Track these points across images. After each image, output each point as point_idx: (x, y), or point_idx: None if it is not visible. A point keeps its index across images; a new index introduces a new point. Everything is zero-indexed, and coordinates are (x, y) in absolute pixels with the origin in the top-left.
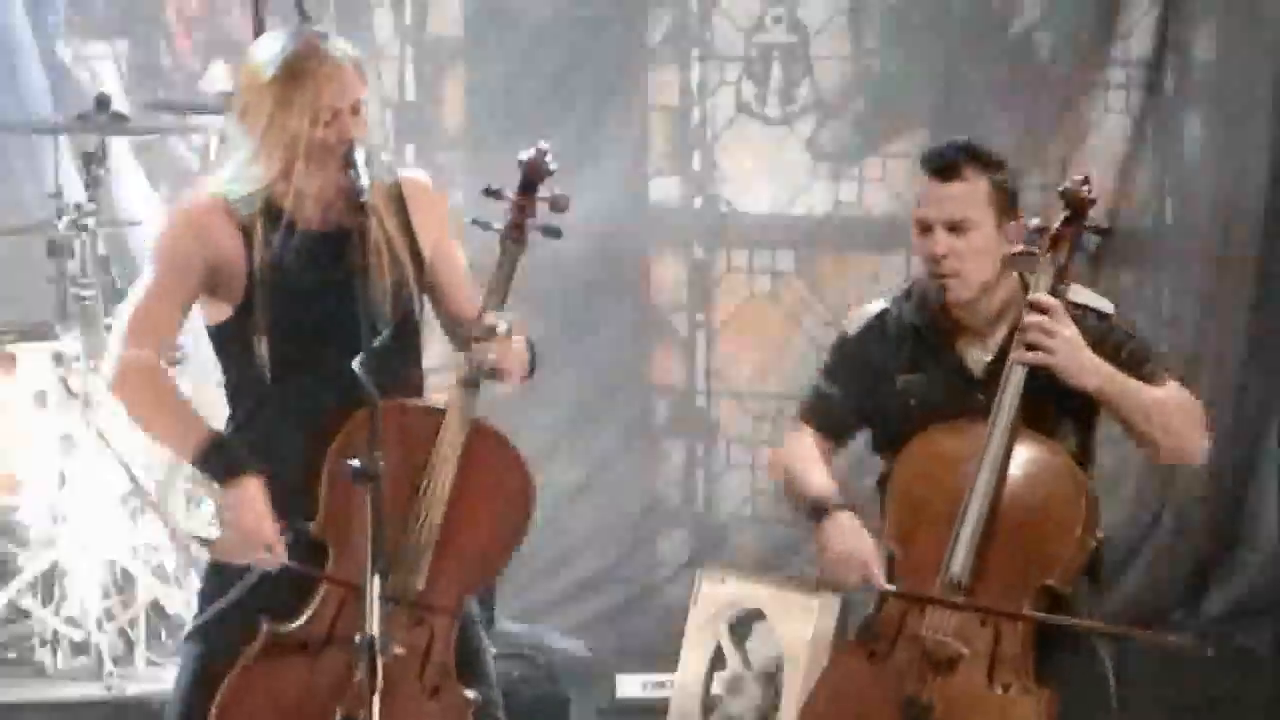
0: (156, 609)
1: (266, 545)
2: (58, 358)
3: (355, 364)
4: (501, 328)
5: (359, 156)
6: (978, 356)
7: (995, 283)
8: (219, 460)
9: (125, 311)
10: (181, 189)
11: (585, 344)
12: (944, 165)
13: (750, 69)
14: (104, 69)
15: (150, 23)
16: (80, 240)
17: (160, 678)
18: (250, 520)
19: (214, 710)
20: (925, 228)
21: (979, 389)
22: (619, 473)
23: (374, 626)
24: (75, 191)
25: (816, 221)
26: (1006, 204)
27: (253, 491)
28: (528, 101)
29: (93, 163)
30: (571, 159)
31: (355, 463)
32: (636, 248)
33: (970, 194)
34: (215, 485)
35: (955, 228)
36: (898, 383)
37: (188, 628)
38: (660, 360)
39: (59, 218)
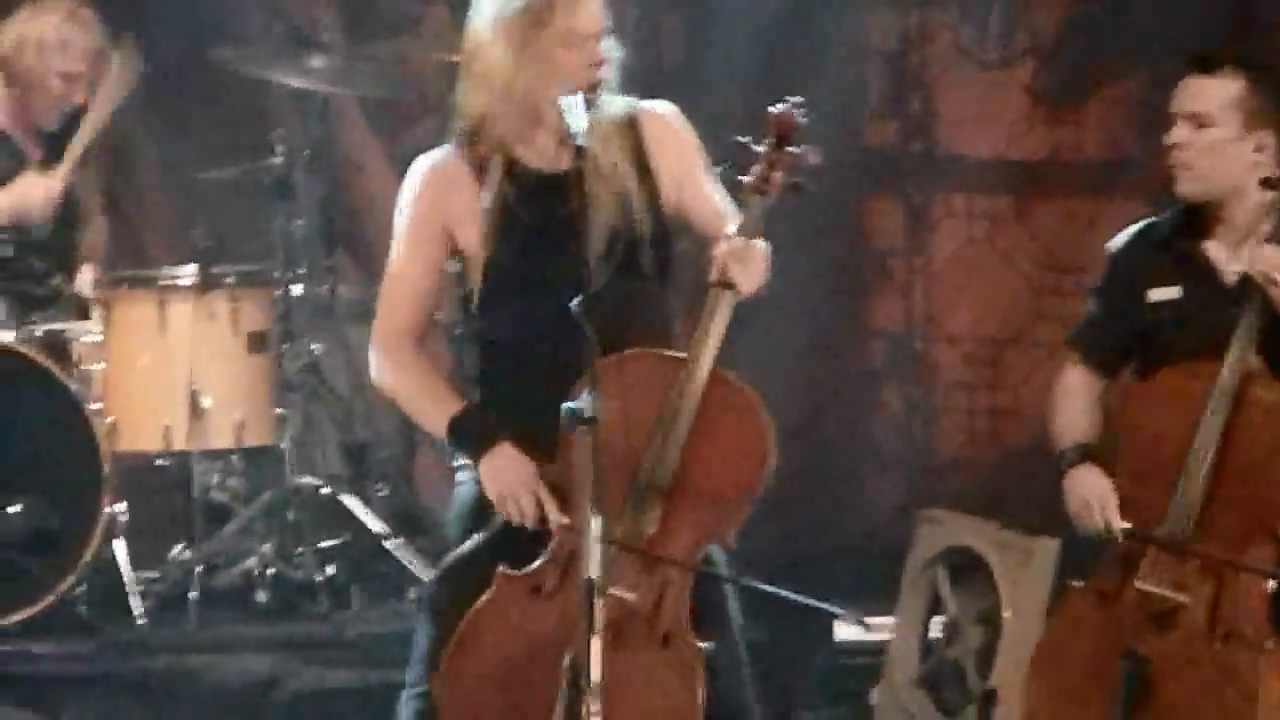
0: (377, 548)
1: (531, 505)
2: (278, 301)
3: (573, 305)
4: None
5: (572, 101)
6: (1231, 267)
7: (1242, 190)
8: (468, 435)
9: (383, 287)
10: (401, 132)
11: (803, 288)
12: (1201, 57)
13: (969, 12)
14: (322, 11)
15: None
16: (303, 183)
17: (373, 619)
18: (509, 485)
19: (450, 648)
20: (1174, 118)
21: (1231, 302)
22: (836, 417)
23: (593, 569)
24: (297, 134)
25: (1034, 165)
26: (1264, 112)
27: (504, 459)
28: (746, 46)
29: (314, 105)
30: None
31: (573, 406)
32: (854, 192)
33: (1218, 91)
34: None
35: (1195, 120)
36: (1151, 296)
37: (437, 569)
38: (877, 304)
39: (281, 160)
